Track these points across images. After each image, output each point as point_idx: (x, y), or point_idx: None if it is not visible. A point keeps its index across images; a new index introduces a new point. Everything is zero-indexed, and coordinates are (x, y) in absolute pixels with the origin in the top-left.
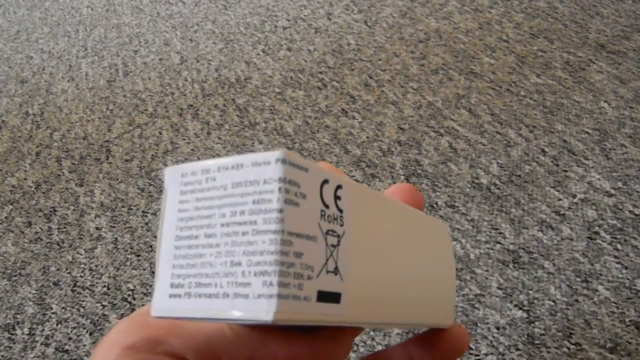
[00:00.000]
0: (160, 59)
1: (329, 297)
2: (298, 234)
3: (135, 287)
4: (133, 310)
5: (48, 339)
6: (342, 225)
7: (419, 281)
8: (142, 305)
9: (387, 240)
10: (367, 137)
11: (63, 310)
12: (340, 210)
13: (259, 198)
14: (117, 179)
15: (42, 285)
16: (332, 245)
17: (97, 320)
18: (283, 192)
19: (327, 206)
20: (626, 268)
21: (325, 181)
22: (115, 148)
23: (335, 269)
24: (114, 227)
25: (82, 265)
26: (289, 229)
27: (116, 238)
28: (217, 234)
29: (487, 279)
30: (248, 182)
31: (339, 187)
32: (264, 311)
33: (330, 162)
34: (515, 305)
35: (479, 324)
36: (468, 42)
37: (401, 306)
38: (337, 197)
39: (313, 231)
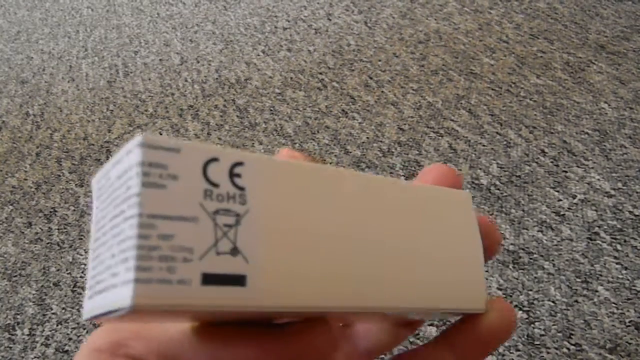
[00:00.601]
0: (160, 60)
1: (223, 279)
2: (164, 216)
3: None
4: None
5: (48, 340)
6: (243, 204)
7: (410, 260)
8: None
9: (339, 217)
10: (367, 137)
11: (63, 310)
12: (241, 188)
13: (126, 186)
14: None
15: (42, 286)
16: (227, 225)
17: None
18: (141, 176)
19: (215, 185)
20: (626, 269)
21: (213, 159)
22: (116, 149)
23: (232, 250)
24: None
25: (83, 266)
26: (150, 212)
27: None
28: (107, 230)
29: (487, 279)
30: (123, 172)
31: (238, 164)
32: (124, 298)
33: (330, 163)
34: (515, 306)
35: None
36: (468, 42)
37: (374, 288)
38: (234, 175)
39: (190, 212)
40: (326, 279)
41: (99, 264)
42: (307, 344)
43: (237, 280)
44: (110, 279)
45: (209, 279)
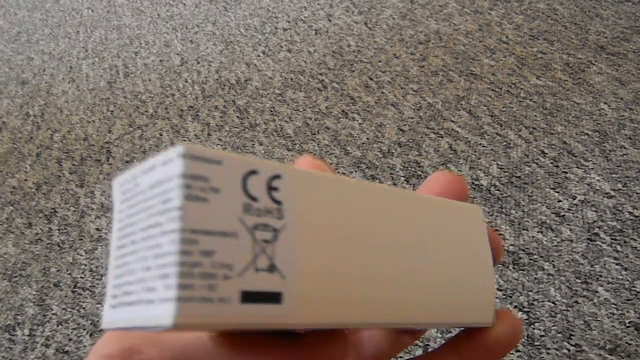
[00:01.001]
0: (160, 61)
1: (261, 297)
2: (206, 231)
3: None
4: None
5: (48, 340)
6: (280, 219)
7: (428, 275)
8: None
9: (365, 233)
10: (367, 138)
11: (63, 311)
12: (278, 202)
13: (164, 198)
14: None
15: (42, 287)
16: (265, 241)
17: (97, 322)
18: (183, 188)
19: (254, 199)
20: (626, 269)
21: (252, 172)
22: (116, 149)
23: (270, 266)
24: None
25: (83, 266)
26: (192, 227)
27: None
28: (137, 239)
29: None
30: (159, 182)
31: (275, 177)
32: (165, 316)
33: (331, 164)
34: (515, 307)
35: None
36: (468, 43)
37: (399, 304)
38: (272, 188)
39: (231, 227)
40: (354, 295)
41: (127, 273)
42: (325, 356)
43: (274, 297)
44: (144, 293)
45: (248, 297)
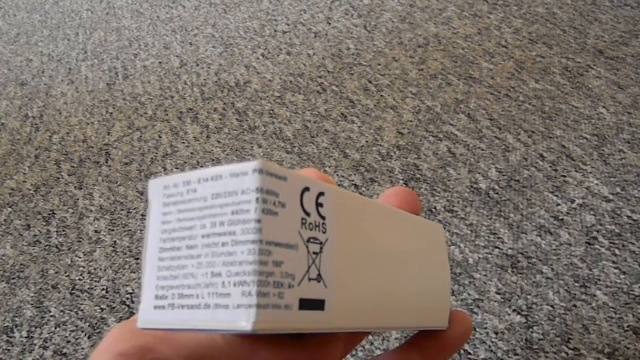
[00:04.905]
0: (160, 63)
1: (311, 304)
2: (277, 243)
3: (133, 290)
4: (132, 313)
5: (46, 342)
6: (324, 232)
7: (412, 285)
8: None
9: (375, 246)
10: (366, 141)
11: (61, 313)
12: (323, 217)
13: (237, 208)
14: (116, 182)
15: (40, 288)
16: (314, 253)
17: (96, 324)
18: (260, 202)
19: (308, 214)
20: (624, 273)
21: (306, 189)
22: (115, 151)
23: (318, 276)
24: (113, 230)
25: (81, 268)
26: (268, 239)
27: (115, 241)
28: (198, 245)
29: (485, 283)
30: (227, 192)
31: (320, 194)
32: (243, 321)
33: (330, 167)
34: (514, 310)
35: (477, 329)
36: (467, 47)
37: (393, 310)
38: (319, 205)
39: (293, 239)
40: (372, 302)
41: (183, 276)
42: (326, 354)
43: (319, 304)
44: (213, 297)
45: (304, 304)
